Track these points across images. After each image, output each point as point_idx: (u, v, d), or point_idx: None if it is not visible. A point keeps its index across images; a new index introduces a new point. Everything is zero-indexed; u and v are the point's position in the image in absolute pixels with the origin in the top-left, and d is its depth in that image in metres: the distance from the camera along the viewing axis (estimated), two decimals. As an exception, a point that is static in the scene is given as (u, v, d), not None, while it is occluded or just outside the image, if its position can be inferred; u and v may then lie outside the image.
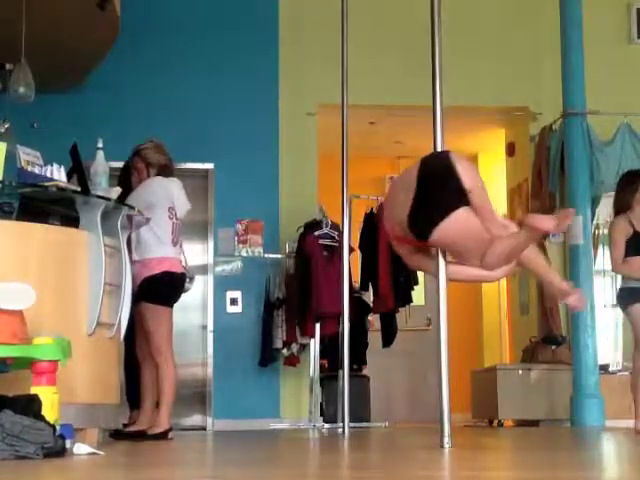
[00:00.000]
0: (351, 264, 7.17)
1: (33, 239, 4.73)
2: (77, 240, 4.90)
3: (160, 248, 5.79)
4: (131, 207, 5.34)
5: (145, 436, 5.65)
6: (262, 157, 8.73)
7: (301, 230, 8.12)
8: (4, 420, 3.49)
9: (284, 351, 8.17)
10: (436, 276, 4.23)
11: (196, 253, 8.33)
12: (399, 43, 8.85)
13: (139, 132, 6.76)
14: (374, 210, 8.29)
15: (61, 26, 7.11)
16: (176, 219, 5.93)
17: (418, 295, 8.96)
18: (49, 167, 4.94)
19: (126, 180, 6.04)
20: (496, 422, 8.52)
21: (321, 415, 8.09)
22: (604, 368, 8.33)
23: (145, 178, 5.96)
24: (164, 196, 5.88)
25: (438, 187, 4.15)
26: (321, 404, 8.13)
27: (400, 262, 5.01)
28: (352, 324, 6.86)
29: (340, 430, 6.40)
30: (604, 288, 8.91)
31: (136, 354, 5.97)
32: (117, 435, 5.72)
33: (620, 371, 8.52)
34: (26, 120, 6.43)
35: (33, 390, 3.88)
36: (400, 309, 8.47)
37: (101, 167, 5.44)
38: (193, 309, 8.44)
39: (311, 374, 8.14)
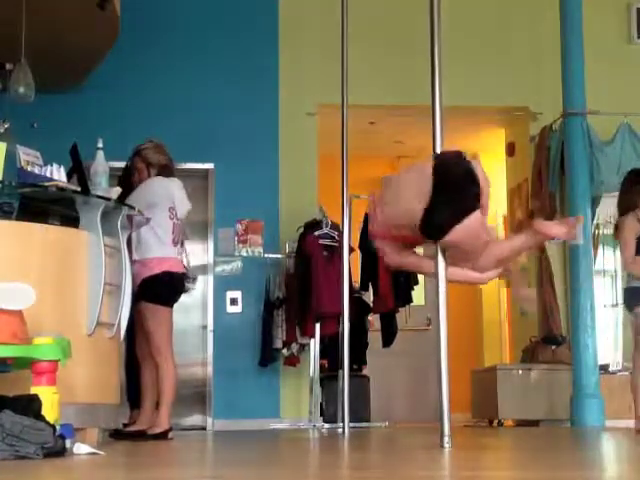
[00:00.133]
0: (351, 264, 7.17)
1: (33, 239, 4.73)
2: (77, 240, 4.90)
3: (160, 248, 5.79)
4: (131, 207, 5.34)
5: (145, 436, 5.65)
6: (262, 157, 8.73)
7: (301, 230, 8.12)
8: (4, 420, 3.49)
9: (284, 351, 8.17)
10: (422, 272, 4.29)
11: (196, 253, 8.33)
12: (399, 43, 8.85)
13: (139, 132, 6.76)
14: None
15: (61, 26, 7.11)
16: (177, 219, 5.93)
17: (418, 295, 8.96)
18: (49, 167, 4.94)
19: (127, 181, 6.05)
20: (496, 422, 8.52)
21: (321, 415, 8.09)
22: (604, 368, 8.33)
23: (145, 178, 5.96)
24: (165, 196, 5.88)
25: (459, 190, 4.18)
26: (321, 404, 8.13)
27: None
28: (352, 324, 6.86)
29: (340, 430, 6.40)
30: (604, 288, 8.91)
31: (136, 354, 5.97)
32: (117, 435, 5.72)
33: (620, 371, 8.51)
34: (26, 120, 6.43)
35: (33, 390, 3.88)
36: (400, 309, 8.48)
37: (101, 167, 5.44)
38: (193, 309, 8.44)
39: (311, 374, 8.14)
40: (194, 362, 8.44)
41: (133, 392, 6.24)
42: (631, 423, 6.09)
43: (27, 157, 4.89)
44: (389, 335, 8.53)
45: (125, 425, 6.01)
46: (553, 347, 8.47)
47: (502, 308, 11.14)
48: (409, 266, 4.68)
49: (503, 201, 9.86)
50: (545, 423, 8.16)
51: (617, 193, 6.14)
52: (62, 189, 4.85)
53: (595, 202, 8.54)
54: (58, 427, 3.74)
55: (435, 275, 4.25)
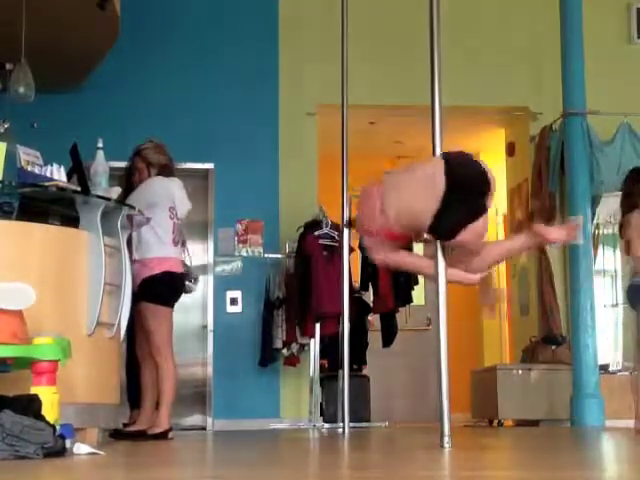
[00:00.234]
0: (351, 264, 7.17)
1: (33, 239, 4.73)
2: (77, 240, 4.90)
3: (161, 248, 5.79)
4: (131, 207, 5.34)
5: (145, 436, 5.65)
6: (262, 157, 8.74)
7: (301, 230, 8.12)
8: (4, 420, 3.49)
9: (284, 351, 8.17)
10: (421, 272, 4.44)
11: (196, 253, 8.32)
12: (399, 43, 8.85)
13: (139, 132, 6.76)
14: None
15: (61, 26, 7.11)
16: (177, 219, 5.93)
17: (418, 295, 8.97)
18: (49, 167, 4.94)
19: (128, 181, 6.05)
20: (496, 422, 8.52)
21: (321, 415, 8.09)
22: (604, 368, 8.33)
23: (146, 178, 5.96)
24: (165, 196, 5.88)
25: (474, 191, 4.22)
26: (321, 404, 8.13)
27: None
28: (352, 324, 6.87)
29: (340, 430, 6.40)
30: (604, 288, 8.91)
31: (136, 354, 5.97)
32: (117, 435, 5.72)
33: (620, 371, 8.52)
34: (26, 120, 6.43)
35: (33, 390, 3.88)
36: (400, 309, 8.48)
37: (101, 167, 5.44)
38: (193, 309, 8.44)
39: (311, 374, 8.14)
40: (194, 362, 8.45)
41: (133, 392, 6.24)
42: (631, 423, 6.09)
43: (27, 157, 4.89)
44: (389, 335, 8.53)
45: (125, 425, 6.01)
46: (553, 347, 8.47)
47: (502, 308, 11.14)
48: (407, 266, 4.66)
49: (503, 201, 9.86)
50: (545, 423, 8.16)
51: (617, 193, 6.13)
52: (62, 189, 4.85)
53: (595, 202, 8.54)
54: (58, 427, 3.74)
55: (434, 275, 4.25)
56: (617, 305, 8.86)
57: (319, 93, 8.64)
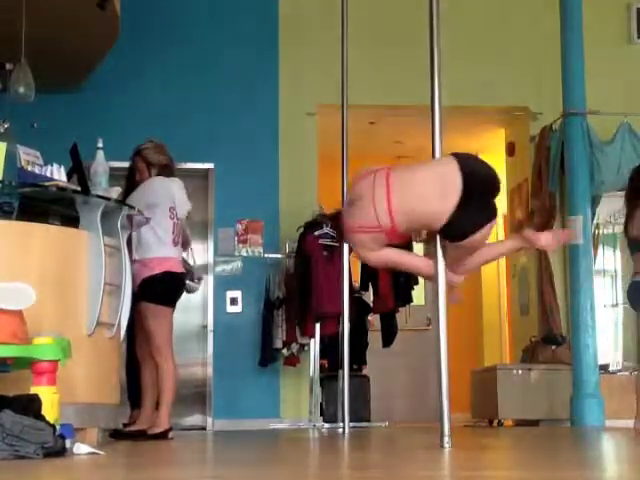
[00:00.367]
0: (351, 264, 7.17)
1: (33, 239, 4.73)
2: (77, 240, 4.90)
3: (161, 248, 5.79)
4: (131, 207, 5.34)
5: (145, 436, 5.65)
6: (262, 157, 8.74)
7: (301, 230, 8.12)
8: (4, 420, 3.49)
9: (284, 351, 8.17)
10: (419, 273, 4.44)
11: (196, 253, 8.32)
12: (399, 43, 8.85)
13: (139, 132, 6.77)
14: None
15: (61, 26, 7.11)
16: (177, 219, 5.93)
17: (418, 295, 8.97)
18: (49, 167, 4.94)
19: (129, 181, 6.05)
20: (496, 422, 8.52)
21: (321, 415, 8.09)
22: (604, 368, 8.33)
23: (146, 178, 5.96)
24: (165, 196, 5.88)
25: (489, 193, 4.30)
26: (321, 404, 8.13)
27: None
28: (352, 324, 6.87)
29: (340, 430, 6.41)
30: (604, 288, 8.91)
31: (136, 354, 5.97)
32: (117, 435, 5.72)
33: (620, 371, 8.52)
34: (26, 120, 6.43)
35: (33, 390, 3.88)
36: (400, 309, 8.48)
37: (101, 167, 5.44)
38: (193, 309, 8.44)
39: (311, 374, 8.14)
40: (194, 362, 8.45)
41: (133, 392, 6.24)
42: (631, 423, 6.09)
43: (27, 157, 4.89)
44: (389, 335, 8.53)
45: (125, 425, 6.01)
46: (553, 347, 8.47)
47: (502, 308, 11.14)
48: (404, 265, 4.60)
49: (503, 201, 9.85)
50: (545, 423, 8.16)
51: (617, 193, 6.13)
52: (62, 189, 4.85)
53: (595, 202, 8.54)
54: (58, 427, 3.74)
55: (433, 275, 4.25)
56: (617, 305, 8.86)
57: (319, 93, 8.64)
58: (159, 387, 5.77)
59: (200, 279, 6.51)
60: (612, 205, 8.48)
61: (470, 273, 4.65)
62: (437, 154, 4.32)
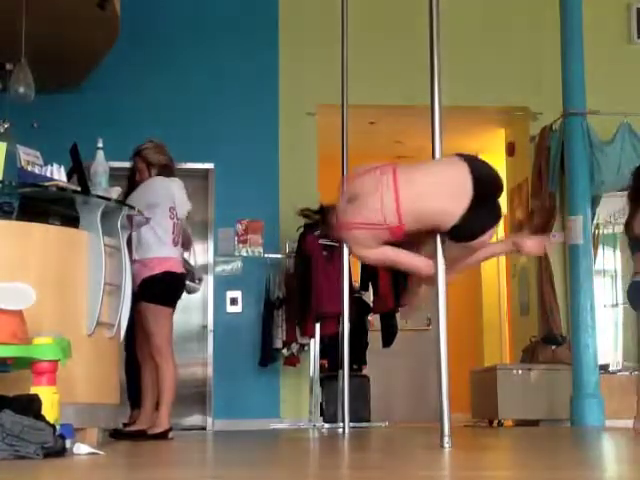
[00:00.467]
0: (351, 264, 7.16)
1: (33, 239, 4.73)
2: (77, 240, 4.90)
3: (161, 248, 5.79)
4: (131, 207, 5.34)
5: (145, 436, 5.65)
6: (262, 157, 8.73)
7: (301, 230, 8.12)
8: (4, 420, 3.49)
9: (284, 351, 8.17)
10: (417, 271, 4.49)
11: (196, 253, 8.32)
12: (399, 43, 8.85)
13: (139, 132, 6.76)
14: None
15: (61, 26, 7.11)
16: (177, 219, 5.93)
17: (418, 295, 8.94)
18: (49, 167, 4.94)
19: (130, 182, 6.06)
20: (496, 422, 8.52)
21: (321, 415, 8.09)
22: (604, 368, 8.33)
23: (146, 178, 5.96)
24: (165, 196, 5.88)
25: (495, 195, 4.37)
26: (321, 404, 8.13)
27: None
28: (352, 324, 6.86)
29: (340, 430, 6.41)
30: (604, 288, 8.91)
31: (136, 354, 5.97)
32: (117, 435, 5.71)
33: (620, 371, 8.52)
34: (26, 120, 6.43)
35: (33, 390, 3.88)
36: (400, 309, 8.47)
37: (101, 167, 5.44)
38: (193, 309, 8.44)
39: (311, 374, 8.14)
40: (194, 362, 8.45)
41: (133, 392, 6.24)
42: (631, 423, 6.08)
43: (27, 157, 4.89)
44: (389, 335, 8.53)
45: (125, 425, 6.01)
46: (553, 347, 8.47)
47: (502, 308, 11.14)
48: (403, 264, 4.57)
49: (503, 201, 9.82)
50: (545, 423, 8.16)
51: (617, 193, 6.13)
52: (62, 189, 4.85)
53: (595, 202, 8.54)
54: (58, 427, 3.74)
55: (432, 274, 4.25)
56: (617, 305, 8.86)
57: (319, 93, 8.64)
58: (159, 387, 5.77)
59: (200, 280, 6.51)
60: (612, 205, 8.48)
61: (460, 273, 4.68)
62: (437, 154, 4.32)
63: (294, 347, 8.16)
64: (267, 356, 8.22)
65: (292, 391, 8.50)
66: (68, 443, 3.74)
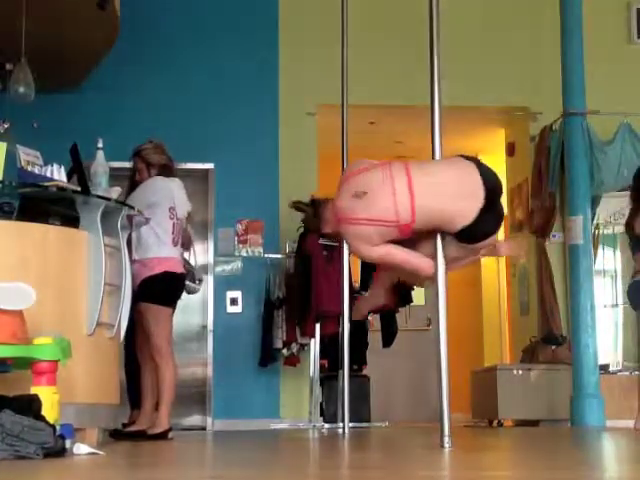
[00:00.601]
0: (351, 264, 7.16)
1: (33, 239, 4.72)
2: (77, 240, 4.90)
3: (160, 248, 5.79)
4: (131, 207, 5.34)
5: (145, 436, 5.65)
6: (262, 157, 8.73)
7: (301, 230, 8.11)
8: (4, 420, 3.49)
9: (284, 351, 8.17)
10: (416, 271, 4.45)
11: (196, 253, 8.32)
12: (399, 43, 8.85)
13: (139, 132, 6.77)
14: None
15: (61, 26, 7.11)
16: (177, 219, 5.93)
17: (418, 295, 8.96)
18: (49, 167, 4.94)
19: (131, 182, 6.06)
20: (496, 422, 8.52)
21: (321, 415, 8.09)
22: (604, 368, 8.33)
23: (146, 178, 5.96)
24: (165, 196, 5.88)
25: (499, 198, 4.47)
26: (321, 404, 8.13)
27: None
28: (352, 324, 6.86)
29: (340, 430, 6.40)
30: (604, 288, 8.91)
31: (136, 354, 5.97)
32: (117, 435, 5.71)
33: (620, 371, 8.52)
34: (26, 120, 6.43)
35: (33, 390, 3.88)
36: (400, 309, 8.47)
37: (101, 167, 5.44)
38: (193, 309, 8.44)
39: (311, 374, 8.14)
40: (194, 362, 8.45)
41: (133, 392, 6.23)
42: (631, 423, 6.09)
43: (27, 157, 4.89)
44: (389, 335, 8.52)
45: (125, 425, 6.01)
46: (553, 347, 8.47)
47: (502, 308, 11.14)
48: (403, 264, 4.51)
49: (503, 201, 9.84)
50: (545, 423, 8.16)
51: (617, 193, 6.12)
52: (62, 189, 4.85)
53: (595, 202, 8.54)
54: (58, 427, 3.74)
55: (433, 274, 4.25)
56: (617, 305, 8.86)
57: (319, 93, 8.64)
58: (159, 387, 5.77)
59: (201, 281, 6.51)
60: (612, 205, 8.48)
61: (456, 271, 4.76)
62: (437, 154, 4.31)
63: (294, 347, 8.16)
64: (267, 356, 8.22)
65: (292, 391, 8.50)
66: (68, 443, 3.74)
